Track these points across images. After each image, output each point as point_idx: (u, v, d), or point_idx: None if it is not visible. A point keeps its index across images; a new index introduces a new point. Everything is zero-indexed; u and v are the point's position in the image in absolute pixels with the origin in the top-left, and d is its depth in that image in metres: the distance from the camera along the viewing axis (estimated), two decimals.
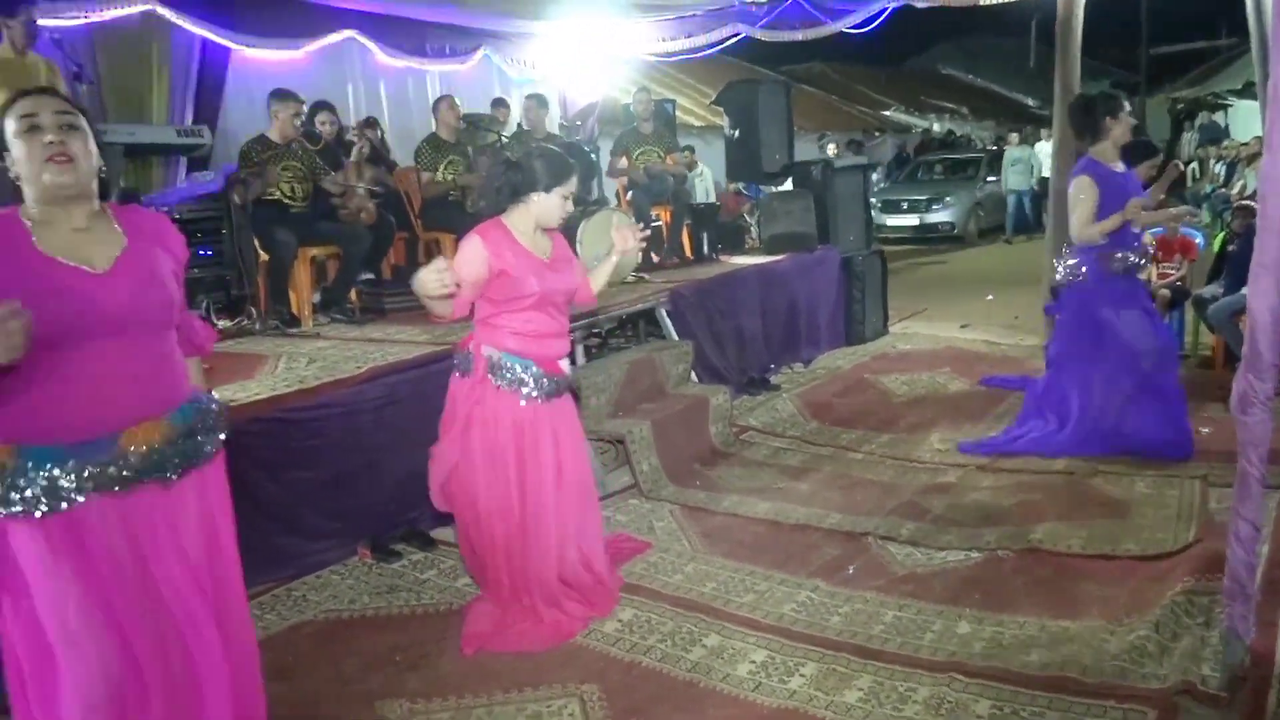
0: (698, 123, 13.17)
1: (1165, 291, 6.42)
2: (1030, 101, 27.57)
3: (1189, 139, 17.90)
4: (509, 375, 3.01)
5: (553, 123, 7.90)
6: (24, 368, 1.79)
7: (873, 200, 10.02)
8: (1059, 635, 2.90)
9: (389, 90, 7.97)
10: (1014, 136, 15.69)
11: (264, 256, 5.19)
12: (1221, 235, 6.53)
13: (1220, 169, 13.27)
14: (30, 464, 1.82)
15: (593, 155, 6.84)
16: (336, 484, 3.76)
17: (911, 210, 14.72)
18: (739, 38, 8.52)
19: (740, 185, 10.93)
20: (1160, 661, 2.67)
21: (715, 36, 8.47)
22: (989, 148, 19.09)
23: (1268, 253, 2.22)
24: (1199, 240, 6.84)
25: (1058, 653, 2.79)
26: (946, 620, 3.08)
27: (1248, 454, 2.35)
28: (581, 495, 3.28)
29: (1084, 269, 4.49)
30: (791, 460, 4.91)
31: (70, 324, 1.83)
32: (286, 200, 5.30)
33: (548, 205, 3.06)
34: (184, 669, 1.99)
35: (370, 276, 6.06)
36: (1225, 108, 16.89)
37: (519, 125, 7.48)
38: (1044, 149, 14.47)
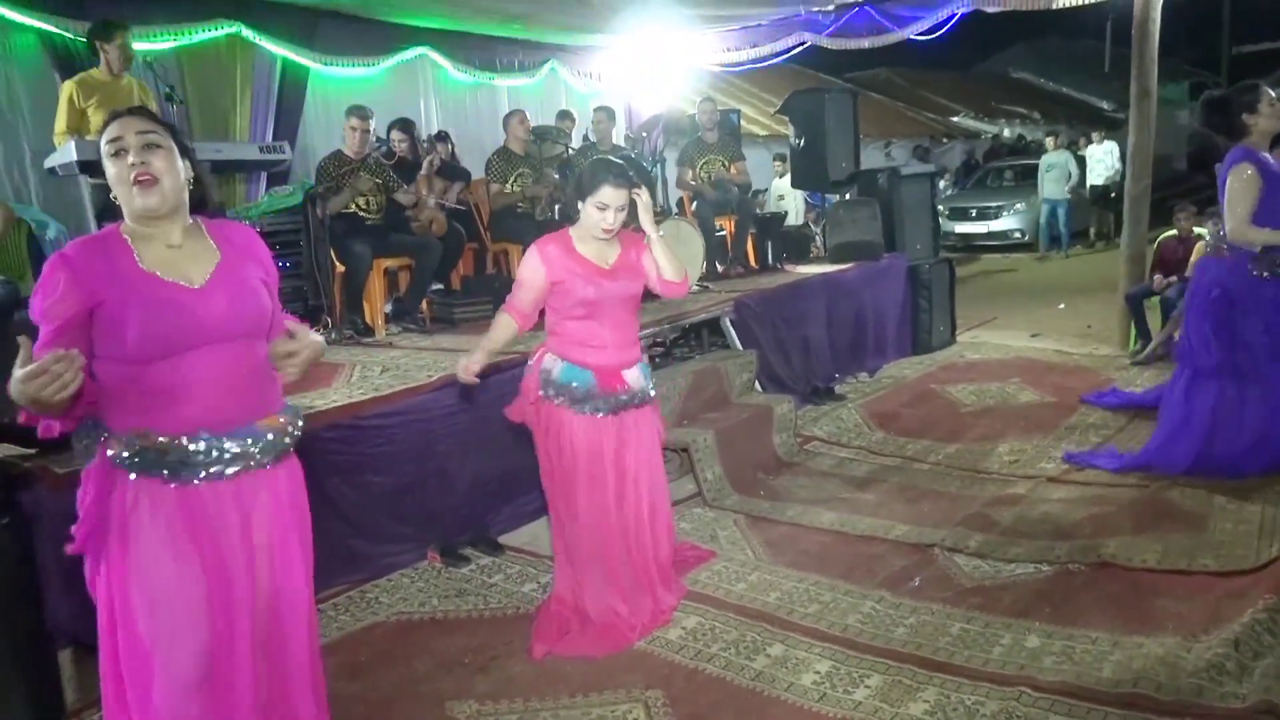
0: (762, 132, 13.15)
1: None
2: (1105, 105, 26.82)
3: None
4: (560, 389, 3.08)
5: (619, 135, 7.98)
6: (133, 379, 1.91)
7: (940, 207, 9.89)
8: (1133, 651, 2.84)
9: (460, 104, 8.15)
10: (1050, 140, 14.42)
11: (340, 268, 5.36)
12: None
13: None
14: (190, 445, 1.95)
15: (657, 166, 6.89)
16: (408, 489, 3.87)
17: (980, 218, 14.45)
18: (804, 46, 8.50)
19: (805, 194, 10.89)
20: (1240, 681, 2.60)
21: (780, 46, 8.46)
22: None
23: None
24: None
25: (1131, 669, 2.74)
26: (1015, 634, 3.04)
27: None
28: (654, 504, 3.33)
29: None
30: (857, 471, 4.88)
31: (173, 337, 1.94)
32: (362, 213, 5.47)
33: (586, 214, 3.12)
34: (275, 653, 2.09)
35: (440, 287, 6.21)
36: None
37: (585, 138, 7.58)
38: (1094, 153, 13.90)
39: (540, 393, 3.12)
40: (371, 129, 5.58)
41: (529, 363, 3.23)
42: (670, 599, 3.37)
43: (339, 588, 3.61)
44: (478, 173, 7.07)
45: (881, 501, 4.40)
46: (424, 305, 5.77)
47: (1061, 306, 8.99)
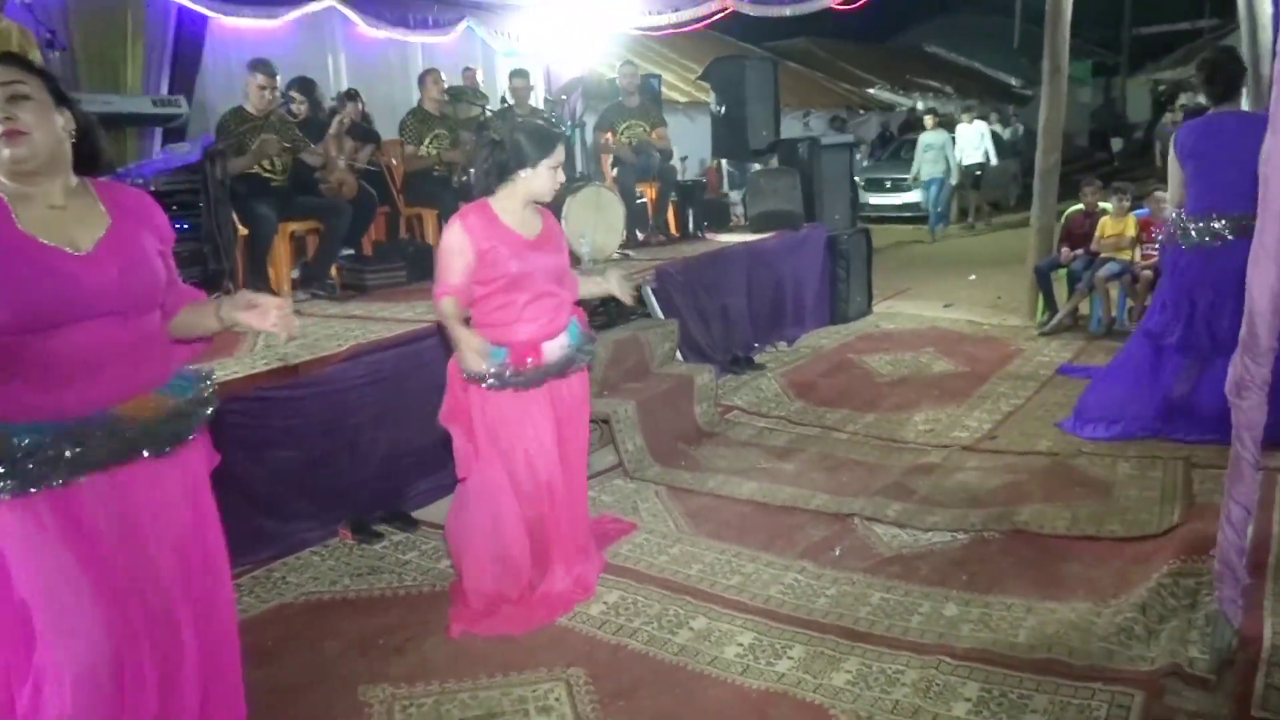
0: (682, 99, 13.04)
1: (1148, 272, 6.43)
2: (1014, 81, 27.53)
3: (1170, 119, 17.95)
4: (480, 368, 2.96)
5: (537, 97, 7.79)
6: (9, 350, 1.73)
7: (856, 179, 9.97)
8: (1046, 617, 2.90)
9: (370, 61, 7.83)
10: (928, 119, 13.79)
11: (242, 231, 5.08)
12: None
13: None
14: (19, 440, 1.75)
15: (576, 130, 6.74)
16: (317, 464, 3.71)
17: (895, 189, 14.67)
18: (726, 12, 8.41)
19: (724, 161, 10.86)
20: (1147, 644, 2.68)
21: (703, 11, 8.36)
22: None
23: (1268, 236, 2.20)
24: None
25: (1045, 634, 2.79)
26: (933, 602, 3.07)
27: (1241, 438, 2.34)
28: (576, 477, 3.28)
29: None
30: (777, 440, 4.89)
31: (53, 307, 1.76)
32: (266, 174, 5.19)
33: (538, 180, 3.00)
34: (173, 648, 1.95)
35: (351, 252, 5.97)
36: None
37: (502, 100, 7.37)
38: (963, 132, 13.47)
39: (464, 377, 2.99)
40: (278, 86, 5.30)
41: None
42: (591, 573, 3.31)
43: (243, 567, 3.43)
44: (389, 134, 6.81)
45: (801, 471, 4.42)
46: (334, 271, 5.54)
47: (973, 278, 9.19)
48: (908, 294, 8.60)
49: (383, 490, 3.94)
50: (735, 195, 9.61)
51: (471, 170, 5.45)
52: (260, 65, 5.17)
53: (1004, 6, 31.89)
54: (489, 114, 6.74)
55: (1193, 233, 4.21)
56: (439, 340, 3.89)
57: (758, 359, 6.27)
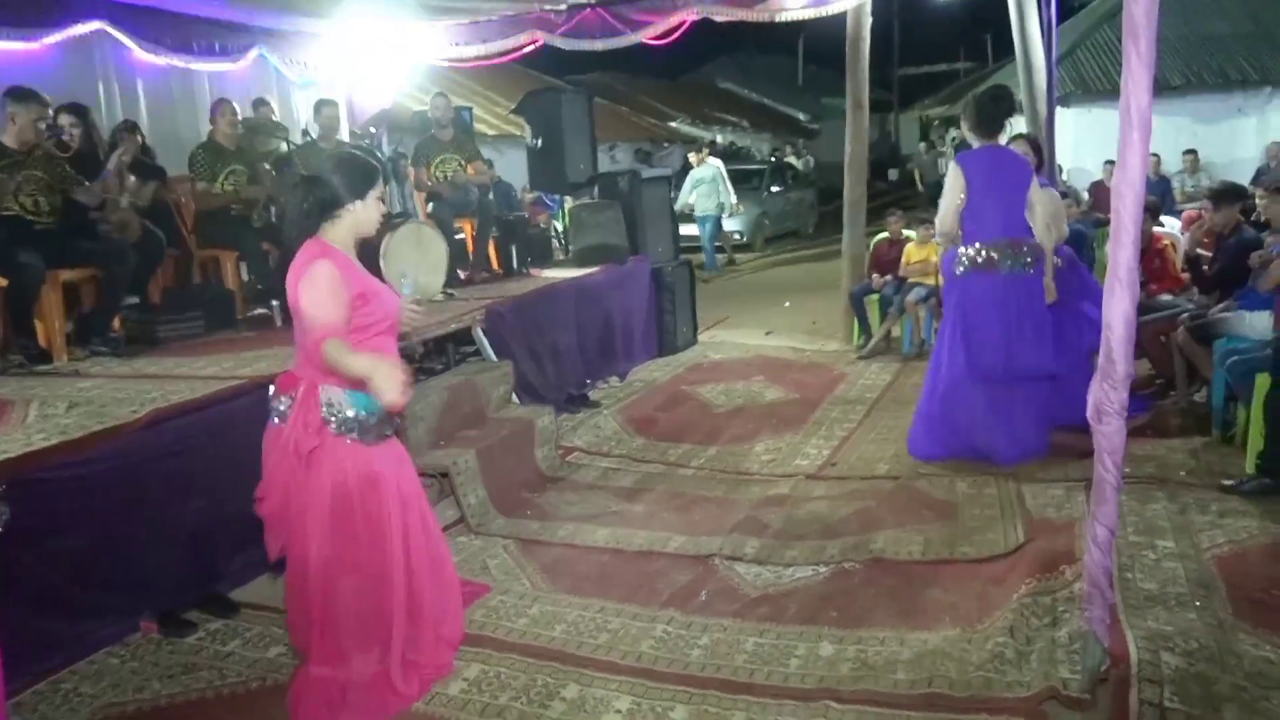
0: (492, 131, 12.81)
1: None
2: (801, 116, 29.20)
3: (924, 149, 19.73)
4: (351, 423, 2.63)
5: (342, 130, 7.35)
6: None
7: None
8: (920, 649, 2.89)
9: (149, 91, 7.10)
10: (694, 156, 13.15)
11: (2, 282, 4.40)
12: None
13: None
14: None
15: (390, 164, 6.37)
16: (112, 549, 3.19)
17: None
18: (536, 45, 8.27)
19: (540, 194, 10.72)
20: (1020, 668, 2.70)
21: (512, 44, 8.16)
22: (769, 159, 20.00)
23: (1121, 265, 2.26)
24: None
25: (923, 668, 2.77)
26: (808, 643, 3.00)
27: (1104, 461, 2.40)
28: (436, 538, 2.99)
29: None
30: (623, 481, 4.74)
31: None
32: (29, 215, 4.53)
33: (368, 212, 2.72)
34: None
35: (136, 301, 5.34)
36: None
37: (304, 133, 6.88)
38: (697, 174, 12.82)
39: (331, 429, 2.63)
40: (48, 118, 4.66)
41: (281, 407, 2.70)
42: (447, 648, 3.01)
43: (23, 682, 2.88)
44: (173, 169, 6.19)
45: (653, 512, 4.28)
46: (116, 323, 4.91)
47: (787, 304, 9.48)
48: (729, 323, 8.74)
49: (193, 572, 3.45)
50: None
51: (279, 208, 5.01)
52: (21, 94, 4.50)
53: (788, 48, 33.93)
54: (291, 147, 6.27)
55: (978, 260, 4.38)
56: (253, 399, 3.49)
57: (593, 396, 6.12)
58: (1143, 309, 5.52)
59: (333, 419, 2.62)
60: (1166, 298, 5.53)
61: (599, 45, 7.90)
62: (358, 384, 2.59)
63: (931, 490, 4.23)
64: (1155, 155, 11.21)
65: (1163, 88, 12.32)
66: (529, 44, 8.12)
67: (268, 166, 6.02)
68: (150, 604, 3.30)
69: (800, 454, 4.99)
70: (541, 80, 15.42)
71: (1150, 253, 5.74)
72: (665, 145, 19.23)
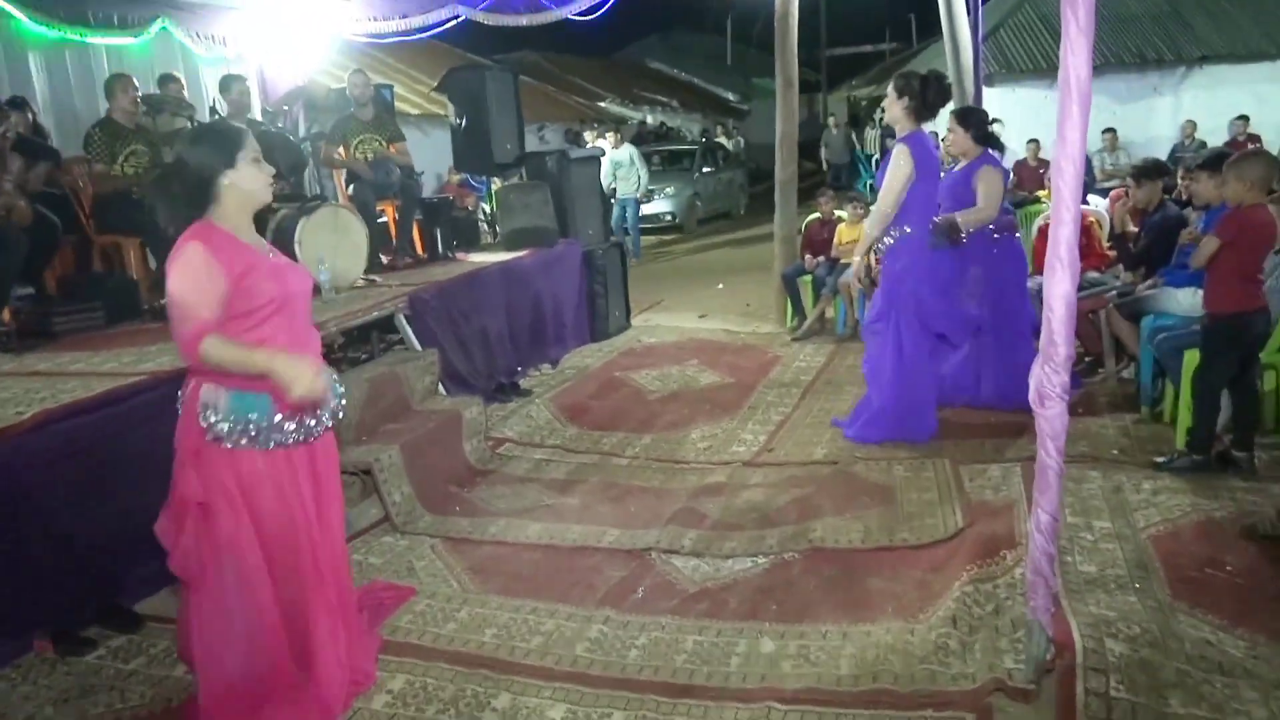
0: (415, 111, 12.42)
1: None
2: (730, 96, 29.17)
3: (872, 135, 19.73)
4: (232, 426, 2.40)
5: (254, 108, 7.00)
6: None
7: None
8: (863, 642, 2.81)
9: (41, 66, 6.65)
10: (610, 136, 12.75)
11: None
12: None
13: None
14: None
15: (304, 145, 6.07)
16: None
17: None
18: (458, 20, 8.00)
19: (466, 176, 10.45)
20: (964, 659, 2.64)
21: (433, 18, 7.89)
22: (700, 140, 19.90)
23: (1061, 244, 2.19)
24: None
25: (867, 662, 2.69)
26: (748, 639, 2.90)
27: (1046, 447, 2.33)
28: (339, 543, 2.79)
29: None
30: (556, 472, 4.59)
31: None
32: None
33: (247, 178, 2.43)
34: None
35: (30, 291, 4.99)
36: None
37: (212, 110, 6.53)
38: (615, 156, 12.13)
39: (206, 437, 2.39)
40: None
41: (178, 404, 2.48)
42: (367, 656, 2.84)
43: None
44: (69, 150, 5.80)
45: (587, 505, 4.15)
46: (6, 315, 4.57)
47: (720, 286, 9.40)
48: (662, 306, 8.63)
49: (92, 585, 3.20)
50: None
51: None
52: None
53: (717, 27, 33.86)
54: (198, 125, 5.92)
55: (917, 243, 4.41)
56: (156, 396, 3.25)
57: (523, 384, 5.95)
58: None
59: (211, 424, 2.38)
60: (1094, 275, 5.57)
61: (524, 20, 7.69)
62: (250, 382, 2.37)
63: (869, 475, 4.17)
64: None
65: None
66: (450, 19, 7.86)
67: (171, 148, 5.67)
68: (44, 620, 3.05)
69: (737, 440, 4.90)
70: (464, 58, 15.06)
71: None
72: (595, 125, 18.97)
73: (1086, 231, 5.78)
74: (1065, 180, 2.15)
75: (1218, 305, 3.70)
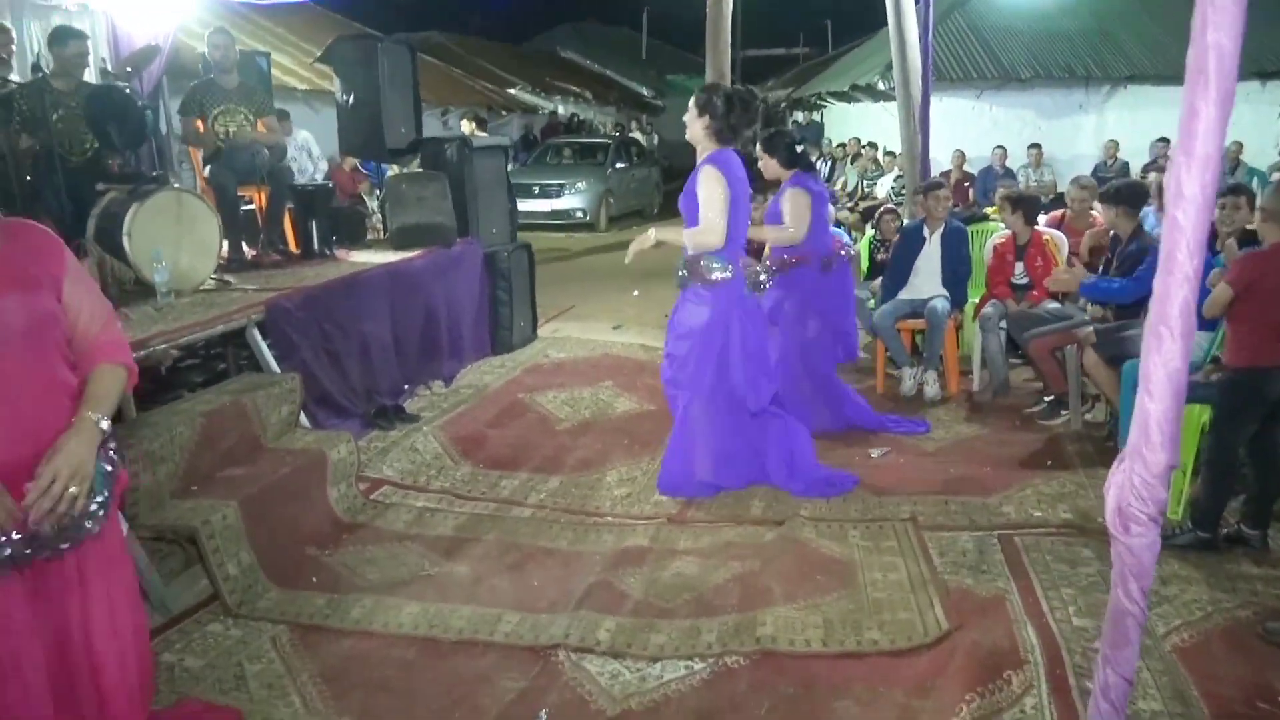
0: (302, 86, 11.24)
1: None
2: (645, 91, 28.47)
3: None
4: None
5: (95, 67, 5.93)
6: None
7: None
8: None
9: None
10: (466, 124, 11.29)
11: None
12: (869, 238, 6.44)
13: (823, 166, 14.12)
14: None
15: (148, 112, 5.05)
16: None
17: (543, 195, 14.03)
18: None
19: (357, 161, 9.43)
20: None
21: None
22: (613, 135, 19.14)
23: (1174, 308, 1.52)
24: (847, 239, 6.73)
25: None
26: None
27: (1128, 587, 1.66)
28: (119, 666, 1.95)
29: None
30: (443, 526, 3.77)
31: None
32: None
33: None
34: None
35: None
36: (823, 108, 18.32)
37: (34, 68, 5.42)
38: None
39: None
40: None
41: None
42: None
43: None
44: None
45: (479, 575, 3.35)
46: None
47: (636, 294, 8.65)
48: (573, 313, 7.84)
49: None
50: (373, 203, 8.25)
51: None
52: None
53: (631, 18, 33.15)
54: (13, 86, 4.86)
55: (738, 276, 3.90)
56: None
57: (410, 406, 5.09)
58: (1030, 319, 5.06)
59: None
60: (1053, 305, 5.04)
61: None
62: None
63: (820, 542, 3.48)
64: (1001, 148, 11.13)
65: (1011, 79, 12.32)
66: None
67: None
68: None
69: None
70: (362, 33, 13.91)
71: (1032, 251, 5.25)
72: (503, 114, 18.01)
73: (1042, 252, 5.25)
74: (1188, 217, 1.48)
75: (1236, 357, 3.15)
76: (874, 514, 3.74)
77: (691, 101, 3.84)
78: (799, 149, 4.74)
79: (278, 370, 4.04)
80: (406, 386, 5.30)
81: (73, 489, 1.75)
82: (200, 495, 3.27)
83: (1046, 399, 4.81)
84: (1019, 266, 5.25)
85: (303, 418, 4.07)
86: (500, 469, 4.40)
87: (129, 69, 5.41)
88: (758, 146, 4.60)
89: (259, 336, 4.04)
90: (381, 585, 3.27)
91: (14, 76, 5.18)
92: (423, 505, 3.98)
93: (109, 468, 1.89)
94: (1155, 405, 1.56)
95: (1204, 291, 3.70)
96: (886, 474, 4.21)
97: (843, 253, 4.90)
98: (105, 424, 1.85)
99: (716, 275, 3.79)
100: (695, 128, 3.80)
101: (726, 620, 2.96)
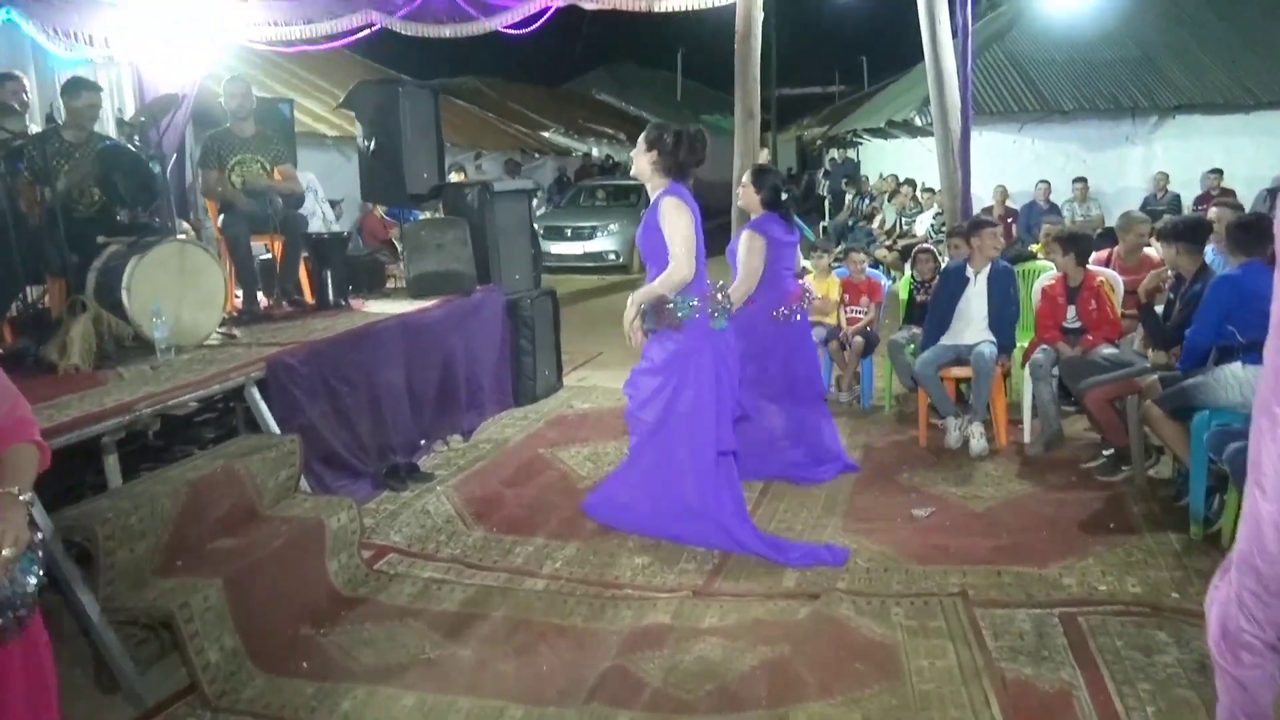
0: (332, 132, 11.27)
1: (860, 339, 5.88)
2: None
3: (824, 176, 18.98)
4: None
5: (112, 118, 5.86)
6: None
7: (535, 227, 8.86)
8: None
9: None
10: (454, 175, 10.18)
11: None
12: (909, 279, 6.13)
13: (857, 202, 13.83)
14: None
15: (156, 168, 4.92)
16: None
17: (576, 238, 13.91)
18: (373, 29, 6.97)
19: (385, 208, 9.34)
20: None
21: (342, 25, 6.85)
22: None
23: None
24: (884, 281, 6.43)
25: None
26: None
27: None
28: None
29: None
30: (448, 602, 3.49)
31: None
32: None
33: None
34: None
35: None
36: (858, 145, 18.06)
37: (48, 119, 5.37)
38: None
39: None
40: None
41: None
42: None
43: None
44: None
45: (483, 659, 3.06)
46: None
47: None
48: (600, 360, 7.60)
49: None
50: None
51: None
52: None
53: (666, 61, 33.34)
54: (23, 139, 4.76)
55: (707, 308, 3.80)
56: None
57: (425, 464, 4.86)
58: (1085, 367, 4.70)
59: None
60: (1108, 351, 4.68)
61: (446, 31, 6.70)
62: None
63: (860, 621, 3.15)
64: (1045, 182, 10.76)
65: (1053, 110, 11.97)
66: (362, 27, 6.82)
67: None
68: None
69: (684, 554, 3.86)
70: (387, 76, 13.97)
71: (1085, 293, 4.90)
72: (536, 156, 18.01)
73: (1097, 295, 4.90)
74: None
75: None
76: (918, 587, 3.40)
77: (641, 137, 3.86)
78: (784, 195, 4.64)
79: (277, 431, 3.81)
80: (423, 442, 5.08)
81: (7, 551, 1.62)
82: (184, 572, 3.03)
83: (1105, 453, 4.44)
84: (1070, 310, 4.90)
85: (303, 482, 3.84)
86: (515, 533, 4.13)
87: (143, 119, 5.30)
88: (748, 174, 4.76)
89: (258, 395, 3.83)
90: (377, 672, 2.99)
91: (33, 126, 5.09)
92: (429, 576, 3.71)
93: (40, 553, 1.73)
94: (1269, 505, 1.24)
95: None
96: (931, 537, 3.87)
97: (802, 304, 4.67)
98: (25, 496, 1.75)
99: (683, 315, 3.72)
100: (642, 162, 3.87)
101: (754, 718, 2.64)
